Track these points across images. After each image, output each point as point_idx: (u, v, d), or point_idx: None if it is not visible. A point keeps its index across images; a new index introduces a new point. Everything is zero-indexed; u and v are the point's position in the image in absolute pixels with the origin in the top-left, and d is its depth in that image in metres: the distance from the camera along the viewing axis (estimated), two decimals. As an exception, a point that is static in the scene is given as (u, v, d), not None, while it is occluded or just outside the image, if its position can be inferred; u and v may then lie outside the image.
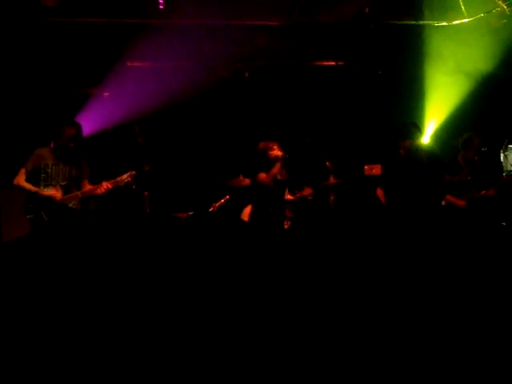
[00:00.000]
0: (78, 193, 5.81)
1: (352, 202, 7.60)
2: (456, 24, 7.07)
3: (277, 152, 5.68)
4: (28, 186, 5.75)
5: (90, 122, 7.14)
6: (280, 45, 7.46)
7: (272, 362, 1.86)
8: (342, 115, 8.36)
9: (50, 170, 5.77)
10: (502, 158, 7.68)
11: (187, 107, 8.07)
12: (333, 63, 8.18)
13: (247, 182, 6.92)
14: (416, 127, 6.18)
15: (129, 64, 7.49)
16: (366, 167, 7.99)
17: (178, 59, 7.54)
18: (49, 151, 5.82)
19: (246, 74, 7.89)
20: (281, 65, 8.03)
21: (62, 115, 7.39)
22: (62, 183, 5.80)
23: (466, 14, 6.96)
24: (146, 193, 6.19)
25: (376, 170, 7.94)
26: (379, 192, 6.17)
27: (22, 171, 5.79)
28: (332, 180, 6.55)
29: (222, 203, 6.90)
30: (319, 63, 8.21)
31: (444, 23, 7.19)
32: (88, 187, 5.87)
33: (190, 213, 6.80)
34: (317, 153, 6.25)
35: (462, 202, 6.13)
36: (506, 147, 7.77)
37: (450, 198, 6.17)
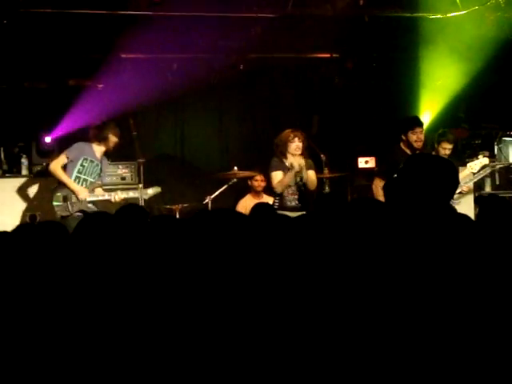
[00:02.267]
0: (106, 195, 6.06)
1: (346, 194, 7.61)
2: (451, 16, 7.07)
3: (297, 145, 5.75)
4: (64, 176, 5.87)
5: (83, 114, 7.11)
6: (274, 37, 7.43)
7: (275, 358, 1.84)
8: (337, 108, 8.36)
9: (86, 165, 5.98)
10: (495, 150, 7.68)
11: (181, 99, 8.06)
12: (327, 55, 8.17)
13: (241, 174, 6.92)
14: (419, 121, 6.12)
15: (123, 56, 7.45)
16: (360, 160, 7.99)
17: (173, 51, 7.51)
18: (89, 147, 6.05)
19: (241, 66, 7.87)
20: (275, 57, 8.01)
21: (56, 107, 7.38)
22: (93, 180, 6.04)
23: (460, 7, 6.95)
24: (140, 184, 6.19)
25: (370, 162, 7.95)
26: (376, 184, 6.00)
27: (63, 158, 5.95)
28: (327, 173, 6.51)
29: (216, 196, 6.91)
30: (314, 55, 8.20)
31: (439, 15, 7.17)
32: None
33: (185, 205, 6.81)
34: (311, 145, 6.22)
35: None
36: (500, 140, 7.77)
37: None
